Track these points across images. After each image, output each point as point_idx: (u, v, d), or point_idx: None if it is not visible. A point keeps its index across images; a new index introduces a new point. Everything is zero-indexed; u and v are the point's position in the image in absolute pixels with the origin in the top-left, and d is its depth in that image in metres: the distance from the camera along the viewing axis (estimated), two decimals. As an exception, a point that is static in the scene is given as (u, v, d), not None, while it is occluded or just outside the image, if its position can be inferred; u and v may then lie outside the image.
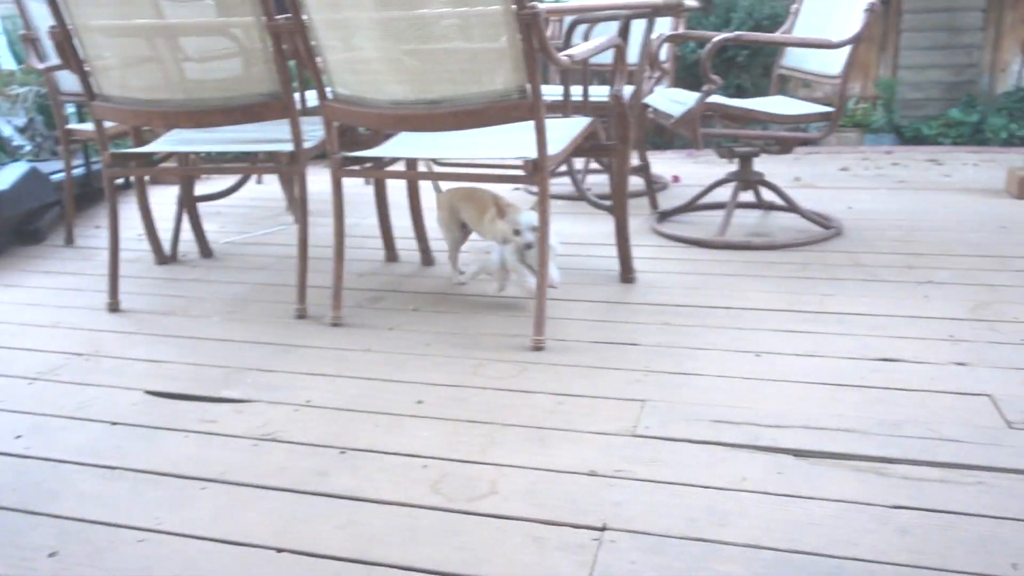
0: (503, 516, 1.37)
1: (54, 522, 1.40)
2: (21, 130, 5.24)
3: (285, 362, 2.07)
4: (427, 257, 2.87)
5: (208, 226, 3.23)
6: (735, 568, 1.22)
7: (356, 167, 2.41)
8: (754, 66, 5.34)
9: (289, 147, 2.36)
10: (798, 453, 1.53)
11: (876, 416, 1.66)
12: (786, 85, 5.28)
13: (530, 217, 2.19)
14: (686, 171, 4.41)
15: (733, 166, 3.19)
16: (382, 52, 2.07)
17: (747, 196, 3.22)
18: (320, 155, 2.43)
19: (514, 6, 1.85)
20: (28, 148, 5.20)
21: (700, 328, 2.18)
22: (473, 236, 2.60)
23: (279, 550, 1.30)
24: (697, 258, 2.83)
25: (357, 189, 3.97)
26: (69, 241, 3.36)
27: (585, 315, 2.32)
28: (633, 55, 3.28)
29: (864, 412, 1.68)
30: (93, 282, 2.80)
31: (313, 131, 2.49)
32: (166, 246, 3.04)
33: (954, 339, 2.04)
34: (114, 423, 1.76)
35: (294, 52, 2.22)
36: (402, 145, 2.48)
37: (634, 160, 3.64)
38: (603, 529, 1.33)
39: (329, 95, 2.25)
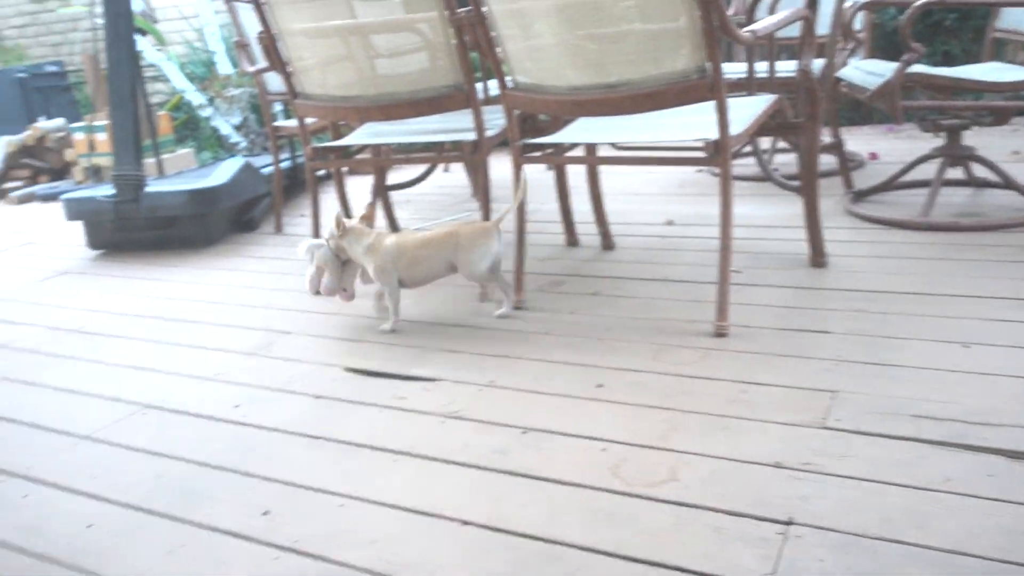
0: (683, 503, 1.36)
1: (267, 484, 1.54)
2: (237, 128, 5.76)
3: (470, 343, 2.14)
4: (607, 241, 2.87)
5: (399, 213, 3.40)
6: (935, 575, 1.14)
7: (536, 153, 2.45)
8: (964, 30, 4.87)
9: (472, 136, 2.44)
10: (1013, 455, 1.40)
11: (1109, 416, 1.49)
12: (1003, 49, 4.79)
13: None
14: (885, 148, 4.11)
15: (939, 140, 2.94)
16: (560, 38, 2.09)
17: (955, 173, 2.96)
18: (502, 143, 2.49)
19: (696, -17, 1.81)
20: (243, 144, 5.71)
21: (899, 316, 2.04)
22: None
23: (464, 522, 1.36)
24: (897, 241, 2.64)
25: (538, 175, 4.04)
26: (278, 229, 3.66)
27: (771, 301, 2.24)
28: (824, 25, 3.10)
29: (1095, 411, 1.51)
30: (299, 266, 3.03)
31: (495, 120, 2.56)
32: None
33: None
34: (317, 396, 1.91)
35: (475, 43, 2.28)
36: (581, 130, 2.49)
37: (826, 137, 3.45)
38: (789, 523, 1.28)
39: (509, 84, 2.30)
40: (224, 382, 2.04)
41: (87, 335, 2.51)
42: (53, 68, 6.74)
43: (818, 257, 2.47)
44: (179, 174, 4.09)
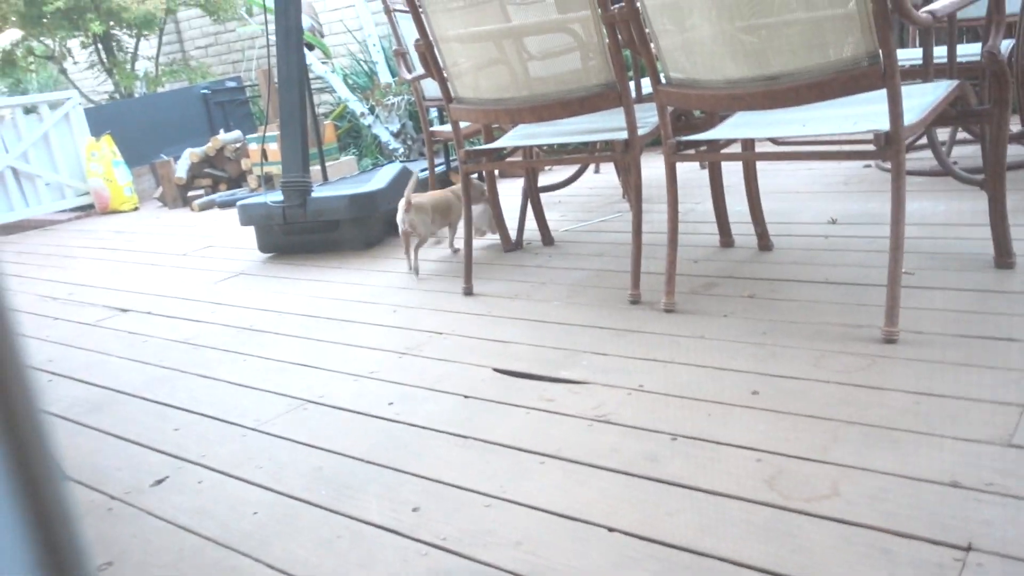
0: (845, 521, 1.27)
1: (417, 481, 1.58)
2: (395, 135, 5.98)
3: (619, 346, 2.11)
4: (764, 242, 2.75)
5: (549, 215, 3.41)
6: None
7: (690, 151, 2.38)
8: None
9: (624, 135, 2.40)
10: None
11: None
12: None
13: None
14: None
15: None
16: (717, 31, 2.01)
17: None
18: (655, 141, 2.44)
19: (865, -36, 1.69)
20: (400, 151, 5.92)
21: (1103, 323, 1.82)
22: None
23: (611, 529, 1.33)
24: (1100, 239, 2.37)
25: (692, 175, 3.93)
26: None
27: (949, 305, 2.06)
28: (1016, 3, 2.83)
29: None
30: (451, 268, 3.11)
31: (647, 118, 2.50)
32: (512, 235, 3.26)
33: None
34: (467, 396, 1.94)
35: (628, 41, 2.24)
36: (738, 126, 2.39)
37: (1015, 126, 3.14)
38: (968, 549, 1.16)
39: (663, 80, 2.25)
40: (379, 380, 2.11)
41: (257, 332, 2.67)
42: (232, 84, 7.27)
43: (1004, 257, 2.25)
44: (341, 180, 4.29)
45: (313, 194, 3.67)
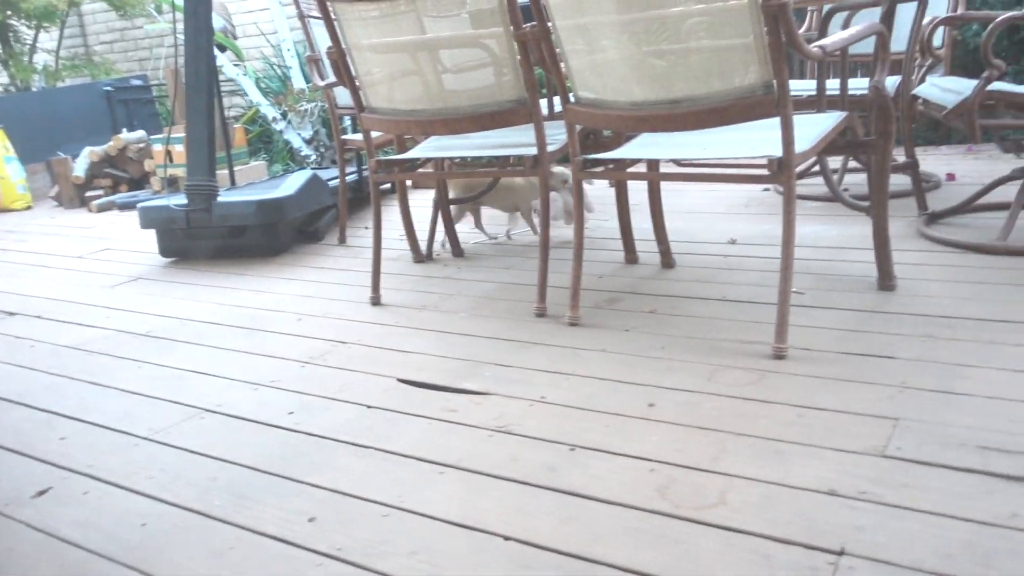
0: (731, 528, 1.32)
1: (314, 491, 1.56)
2: (308, 141, 5.90)
3: (523, 358, 2.14)
4: (667, 259, 2.83)
5: (460, 226, 3.42)
6: (998, 615, 1.08)
7: (597, 169, 2.44)
8: (1053, 47, 4.67)
9: (533, 151, 2.44)
10: (1088, 492, 1.32)
11: None
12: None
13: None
14: (963, 168, 3.97)
15: (1020, 161, 2.81)
16: (625, 53, 2.08)
17: (1038, 195, 2.83)
18: (565, 157, 2.49)
19: (760, -2, 1.78)
20: (313, 157, 5.84)
21: (971, 343, 1.95)
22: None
23: (506, 538, 1.35)
24: (972, 265, 2.54)
25: (600, 191, 4.02)
26: (342, 240, 3.72)
27: (835, 324, 2.17)
28: (902, 41, 3.02)
29: None
30: (359, 277, 3.08)
31: (558, 135, 2.55)
32: (424, 246, 3.27)
33: None
34: (369, 406, 1.93)
35: (540, 59, 2.29)
36: (643, 146, 2.47)
37: (900, 157, 3.34)
38: (841, 554, 1.23)
39: (572, 99, 2.30)
40: (280, 389, 2.08)
41: (154, 339, 2.59)
42: (138, 82, 7.03)
43: (886, 280, 2.38)
44: (250, 185, 4.21)
45: (219, 198, 3.58)
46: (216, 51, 4.03)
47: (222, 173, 4.25)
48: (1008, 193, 2.80)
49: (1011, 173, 2.83)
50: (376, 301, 2.74)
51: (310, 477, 1.61)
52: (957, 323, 2.09)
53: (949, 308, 2.19)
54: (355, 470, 1.63)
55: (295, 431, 1.83)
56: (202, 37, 3.58)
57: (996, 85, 2.50)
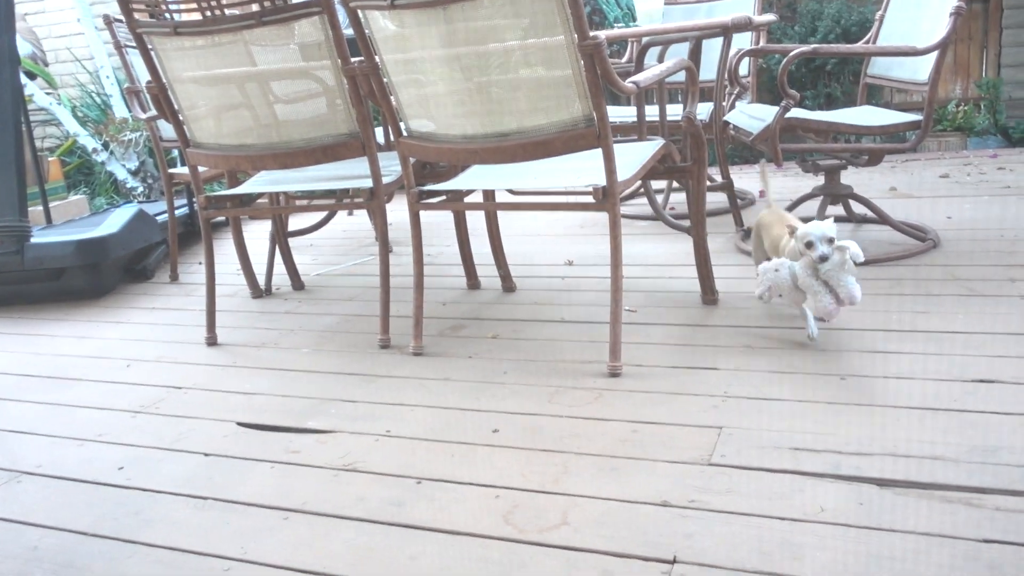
0: (573, 548, 1.37)
1: (149, 551, 1.48)
2: (134, 173, 5.60)
3: (367, 392, 2.13)
4: (508, 284, 2.91)
5: (300, 258, 3.36)
6: (810, 605, 1.19)
7: (433, 200, 2.47)
8: (844, 74, 5.18)
9: (369, 183, 2.44)
10: (882, 483, 1.47)
11: (969, 442, 1.58)
12: (881, 92, 5.11)
13: (823, 228, 2.02)
14: (774, 185, 4.30)
15: (820, 180, 3.10)
16: (452, 88, 2.12)
17: (837, 210, 3.12)
18: (402, 187, 2.50)
19: (576, 37, 1.87)
20: (140, 189, 5.55)
21: (783, 351, 2.13)
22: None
23: (354, 581, 1.34)
24: (782, 277, 2.76)
25: (440, 218, 4.06)
26: (174, 278, 3.56)
27: (664, 339, 2.30)
28: (712, 71, 3.25)
29: (956, 438, 1.60)
30: (194, 317, 2.96)
31: (394, 166, 2.57)
32: (262, 280, 3.18)
33: (1059, 357, 1.92)
34: (207, 455, 1.86)
35: (369, 92, 2.30)
36: (477, 177, 2.53)
37: (717, 177, 3.59)
38: (673, 562, 1.31)
39: (404, 132, 2.32)
40: (108, 443, 1.96)
41: (-38, 397, 2.38)
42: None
43: (709, 295, 2.55)
44: (69, 223, 3.94)
45: (33, 239, 3.33)
46: (24, 78, 3.76)
47: (36, 210, 3.96)
48: (812, 208, 3.07)
49: (812, 191, 3.11)
50: (212, 341, 2.64)
51: (144, 536, 1.53)
52: (772, 332, 2.27)
53: (764, 319, 2.37)
54: (193, 524, 1.57)
55: (126, 487, 1.73)
56: (5, 65, 3.34)
57: (793, 112, 2.75)
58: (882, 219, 3.03)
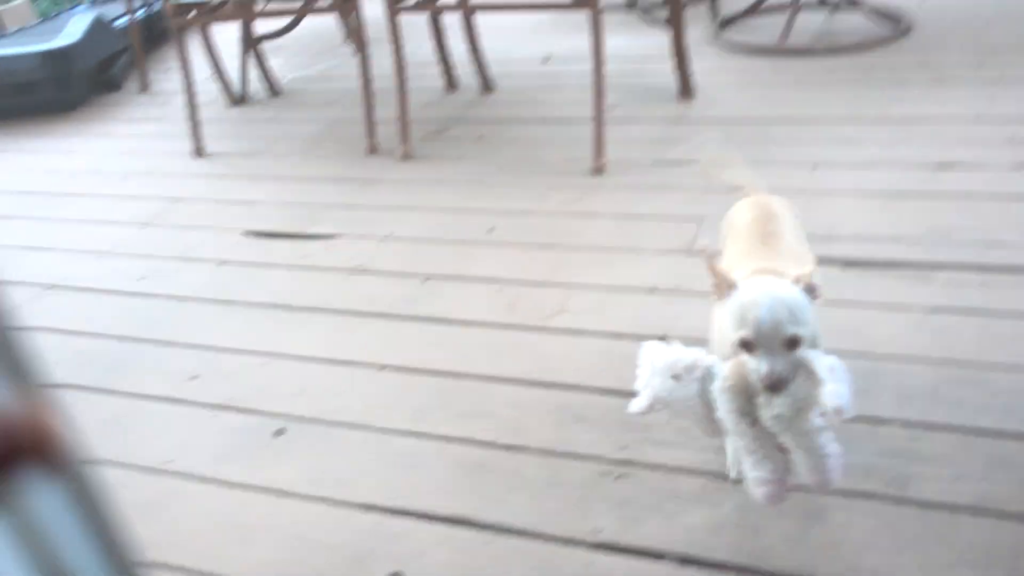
0: (573, 331, 1.55)
1: (189, 351, 1.64)
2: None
3: (365, 197, 2.22)
4: (487, 84, 2.92)
5: (272, 61, 3.30)
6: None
7: (410, 3, 2.43)
8: None
9: (345, -16, 2.39)
10: (847, 263, 1.64)
11: (928, 223, 1.74)
12: None
13: (780, 308, 0.89)
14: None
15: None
16: None
17: (811, -3, 3.11)
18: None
19: None
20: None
21: (759, 143, 2.23)
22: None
23: (381, 367, 1.51)
24: (758, 67, 2.81)
25: (411, 16, 3.94)
26: (144, 87, 3.49)
27: (644, 135, 2.39)
28: None
29: (916, 220, 1.76)
30: (175, 127, 2.95)
31: (367, -36, 2.50)
32: (236, 87, 3.14)
33: (1014, 141, 2.05)
34: (222, 262, 1.97)
35: None
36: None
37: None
38: (663, 339, 1.48)
39: (380, -73, 2.25)
40: (124, 255, 2.07)
41: (-37, 217, 2.43)
42: None
43: (686, 88, 2.61)
44: (22, 31, 3.78)
45: (-5, 51, 3.23)
46: None
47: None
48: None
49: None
50: (200, 152, 2.67)
51: (181, 338, 1.68)
52: (748, 125, 2.36)
53: (740, 110, 2.46)
54: (224, 326, 1.71)
55: (152, 295, 1.86)
56: None
57: None
58: (856, 4, 3.03)
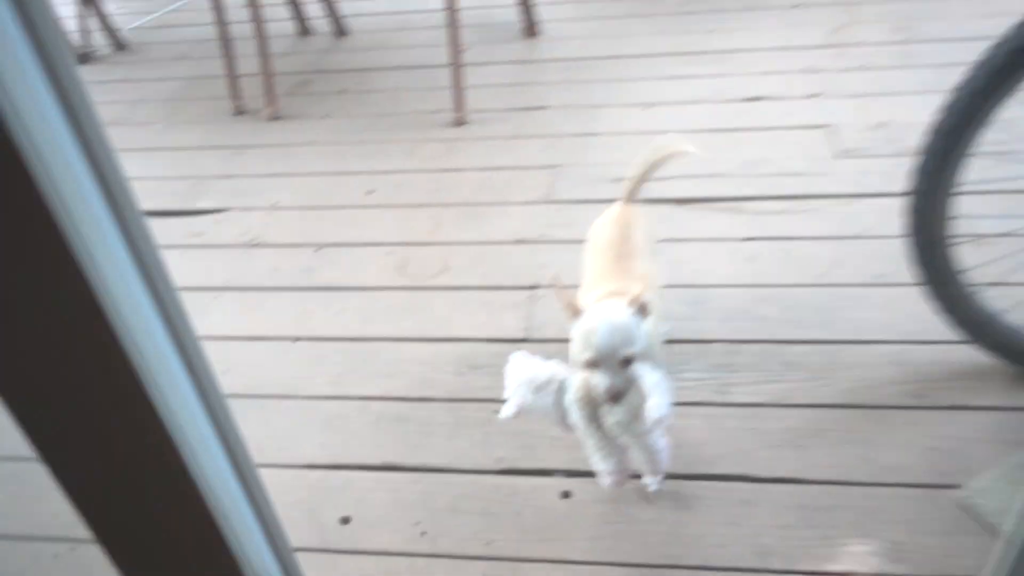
0: (457, 287, 1.80)
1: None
2: None
3: (241, 166, 2.34)
4: (340, 28, 3.01)
5: (110, 7, 3.22)
6: (631, 304, 1.70)
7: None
8: None
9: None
10: (679, 201, 1.96)
11: (740, 158, 2.08)
12: None
13: (614, 334, 1.10)
14: None
15: None
16: None
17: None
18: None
19: None
20: None
21: (599, 83, 2.50)
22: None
23: (295, 339, 1.73)
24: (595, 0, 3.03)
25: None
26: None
27: (497, 79, 2.60)
28: None
29: (730, 155, 2.10)
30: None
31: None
32: (76, 42, 3.08)
33: (810, 70, 2.41)
34: (116, 247, 2.08)
35: None
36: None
37: None
38: (533, 288, 1.77)
39: None
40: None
41: None
42: None
43: (531, 27, 2.81)
44: None
45: None
46: None
47: None
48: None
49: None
50: (59, 124, 2.66)
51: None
52: (587, 64, 2.61)
53: (580, 50, 2.70)
54: (137, 313, 1.85)
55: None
56: None
57: None
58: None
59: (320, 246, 1.99)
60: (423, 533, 1.31)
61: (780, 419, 1.42)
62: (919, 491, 1.28)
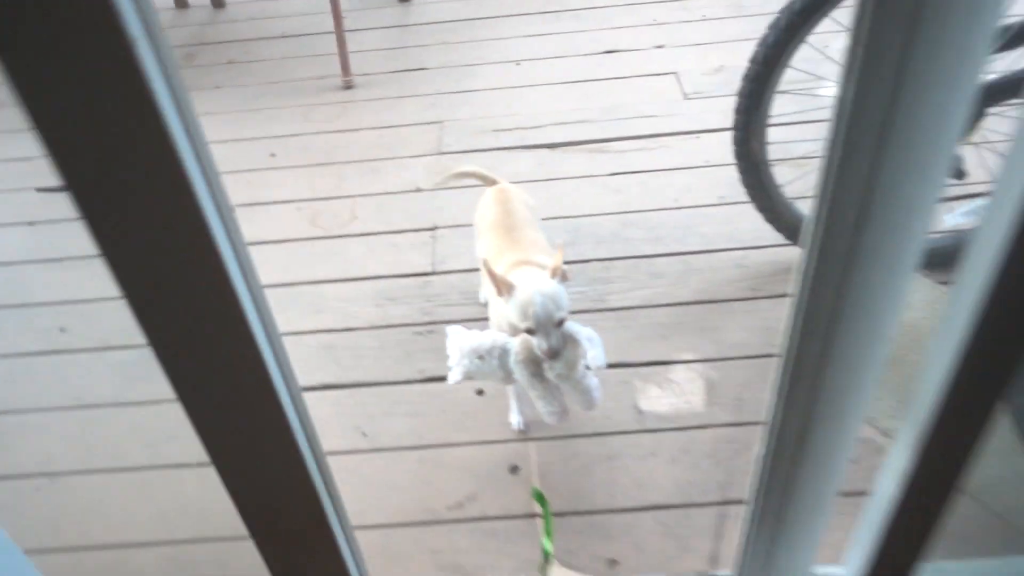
0: (367, 233, 2.03)
1: (58, 307, 1.92)
2: None
3: (142, 138, 2.45)
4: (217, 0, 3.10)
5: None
6: (519, 236, 1.98)
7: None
8: None
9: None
10: (552, 146, 2.25)
11: (602, 105, 2.38)
12: None
13: (549, 302, 1.29)
14: None
15: None
16: None
17: None
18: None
19: None
20: None
21: (472, 43, 2.74)
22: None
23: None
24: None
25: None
26: None
27: (379, 44, 2.79)
28: None
29: (594, 103, 2.39)
30: None
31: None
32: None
33: (656, 23, 2.73)
34: (31, 223, 2.18)
35: None
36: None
37: None
38: (434, 229, 2.03)
39: None
40: (-74, 232, 2.19)
41: None
42: None
43: (404, -7, 3.01)
44: None
45: None
46: None
47: None
48: None
49: None
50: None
51: (45, 297, 1.95)
52: (460, 26, 2.84)
53: (452, 11, 2.92)
54: (78, 281, 1.99)
55: (-19, 266, 2.06)
56: None
57: None
58: None
59: (234, 207, 2.15)
60: (364, 435, 1.56)
61: (648, 317, 1.75)
62: (757, 360, 1.64)
